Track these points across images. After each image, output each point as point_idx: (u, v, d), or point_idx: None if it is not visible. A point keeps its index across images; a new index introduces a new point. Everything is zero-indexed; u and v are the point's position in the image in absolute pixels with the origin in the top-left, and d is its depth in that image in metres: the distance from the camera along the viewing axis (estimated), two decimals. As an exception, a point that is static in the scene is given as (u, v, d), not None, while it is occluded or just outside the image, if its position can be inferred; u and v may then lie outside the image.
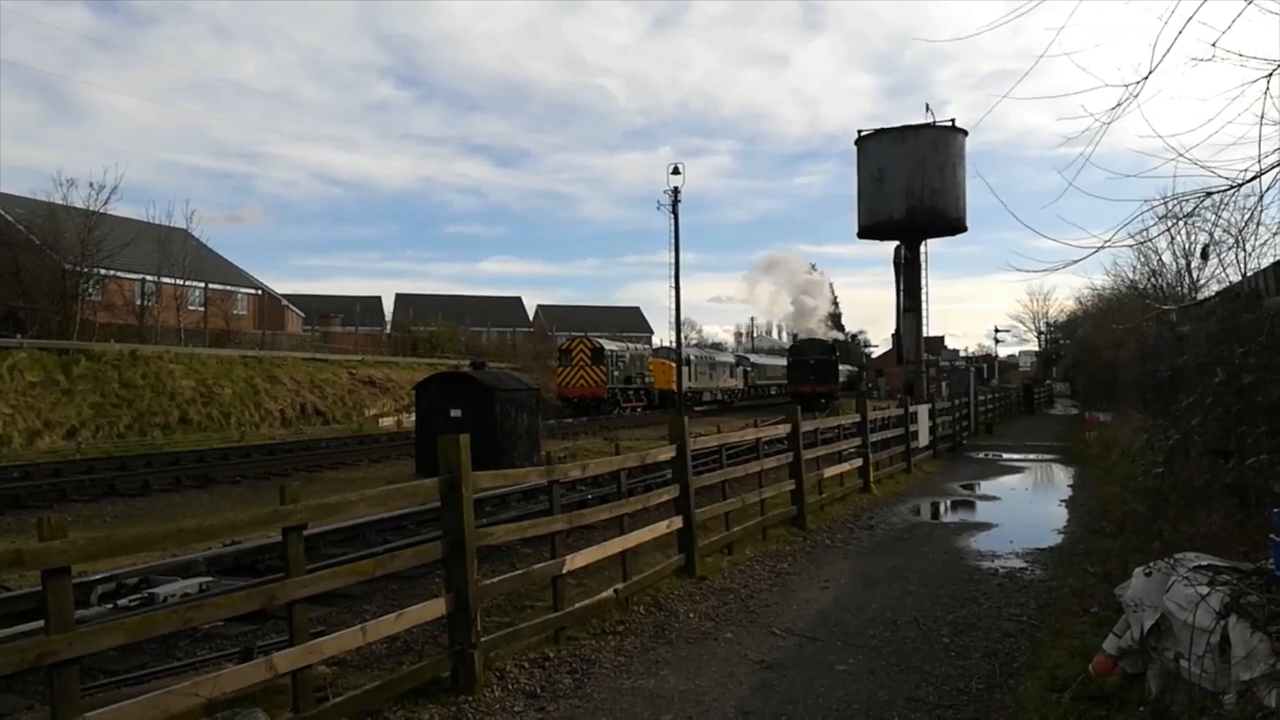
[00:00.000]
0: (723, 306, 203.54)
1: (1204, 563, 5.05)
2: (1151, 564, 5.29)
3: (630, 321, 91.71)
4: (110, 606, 7.33)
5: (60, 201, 34.60)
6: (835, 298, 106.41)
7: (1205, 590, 4.58)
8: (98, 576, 7.82)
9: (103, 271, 34.52)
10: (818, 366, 50.55)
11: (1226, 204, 6.04)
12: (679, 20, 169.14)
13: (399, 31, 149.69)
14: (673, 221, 40.15)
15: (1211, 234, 11.30)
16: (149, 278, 38.87)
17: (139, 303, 38.27)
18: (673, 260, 40.57)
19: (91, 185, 34.81)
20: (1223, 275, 12.41)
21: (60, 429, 24.50)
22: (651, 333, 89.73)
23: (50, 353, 26.87)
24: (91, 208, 34.10)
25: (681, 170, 40.05)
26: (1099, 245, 5.65)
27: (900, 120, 37.66)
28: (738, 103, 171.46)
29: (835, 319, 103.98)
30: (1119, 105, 4.94)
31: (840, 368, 57.71)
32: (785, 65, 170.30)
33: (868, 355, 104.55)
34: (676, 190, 39.93)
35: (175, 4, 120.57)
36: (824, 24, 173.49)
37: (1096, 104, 5.04)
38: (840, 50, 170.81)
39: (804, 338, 59.63)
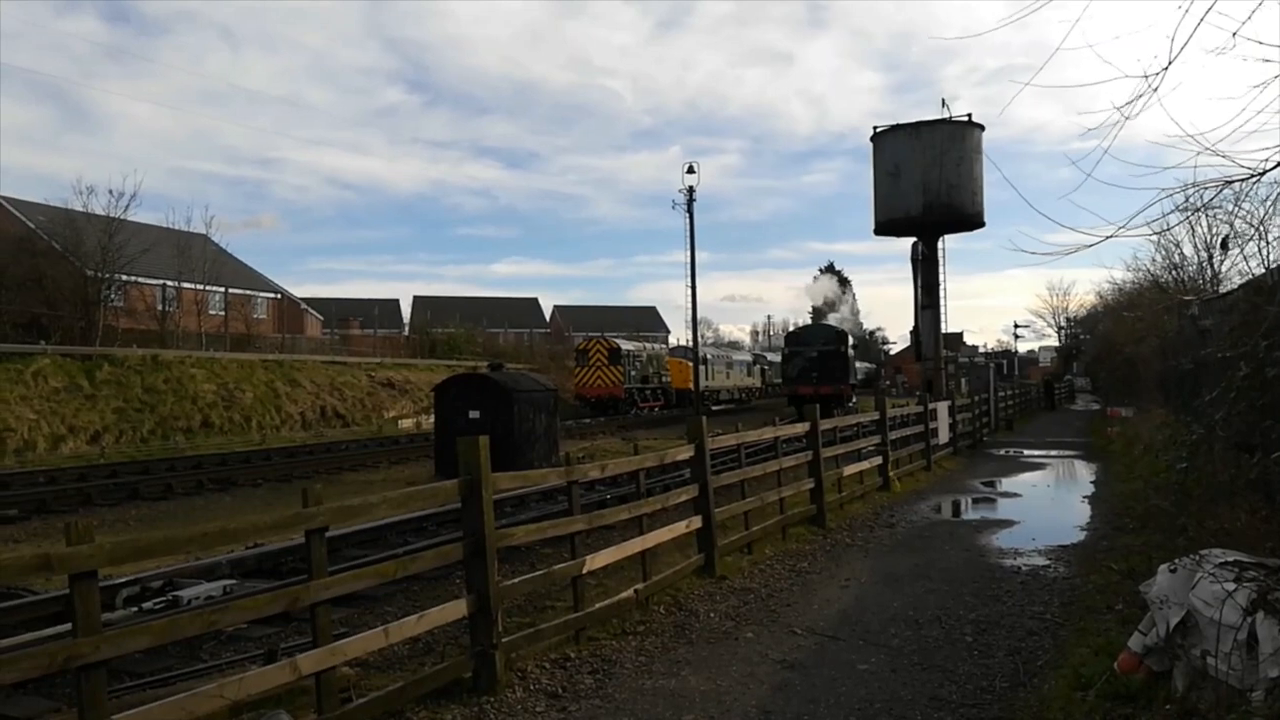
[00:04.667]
0: (738, 305, 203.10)
1: (1230, 559, 4.99)
2: (1176, 560, 5.24)
3: (646, 321, 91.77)
4: (135, 609, 7.41)
5: (80, 209, 34.99)
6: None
7: (1232, 586, 4.53)
8: (123, 580, 7.90)
9: (124, 278, 34.86)
10: (822, 361, 38.69)
11: (1247, 195, 5.98)
12: (682, 21, 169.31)
13: (405, 36, 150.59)
14: (688, 221, 40.11)
15: (1232, 225, 11.16)
16: (170, 283, 39.24)
17: (160, 308, 38.64)
18: (688, 259, 40.53)
19: (111, 192, 35.22)
20: (1245, 268, 12.27)
21: (84, 434, 24.76)
22: (668, 332, 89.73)
23: (73, 358, 27.17)
24: (111, 214, 34.47)
25: (696, 170, 39.97)
26: (1111, 233, 5.61)
27: (907, 117, 37.52)
28: (744, 102, 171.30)
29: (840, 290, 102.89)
30: (1138, 98, 4.90)
31: (858, 365, 55.94)
32: (791, 64, 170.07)
33: (885, 352, 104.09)
34: (691, 190, 39.87)
35: (185, 12, 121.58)
36: (828, 22, 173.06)
37: (1113, 98, 5.01)
38: (845, 48, 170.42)
39: (805, 324, 49.05)
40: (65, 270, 33.32)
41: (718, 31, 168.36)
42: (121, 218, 34.77)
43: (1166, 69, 4.70)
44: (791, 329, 46.21)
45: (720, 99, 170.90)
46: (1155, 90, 4.86)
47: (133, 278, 35.77)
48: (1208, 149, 5.01)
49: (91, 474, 18.39)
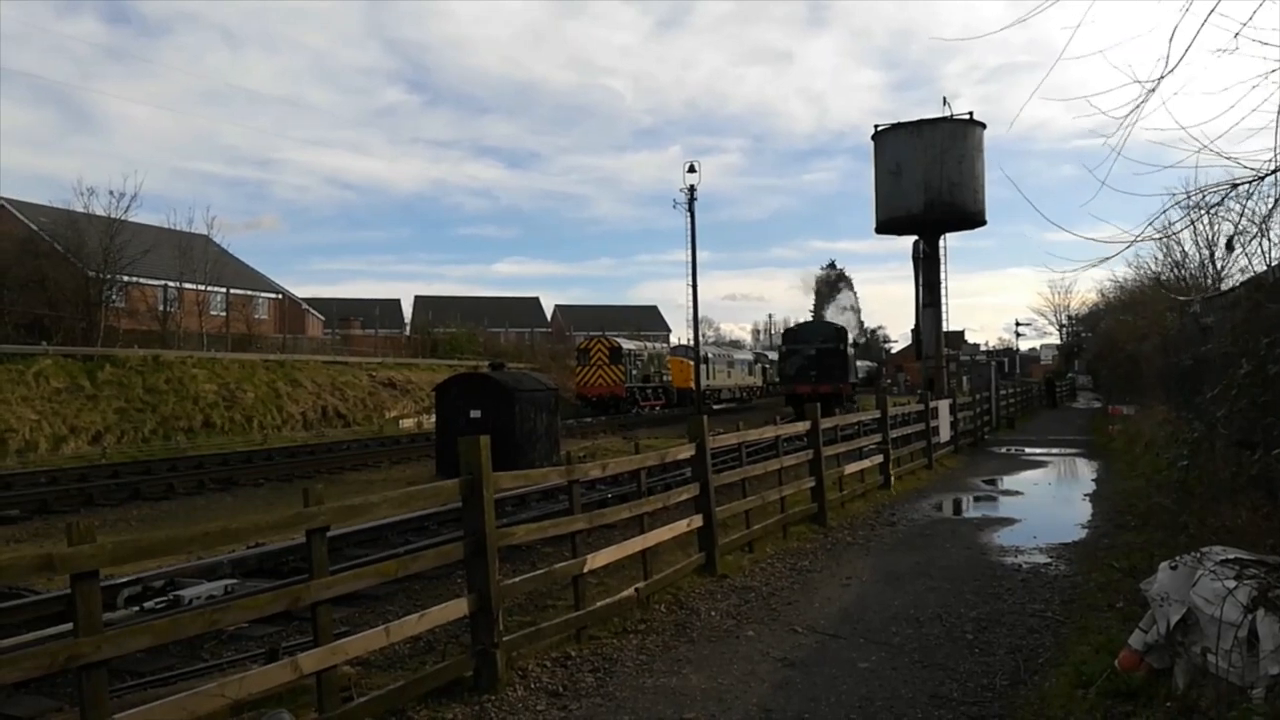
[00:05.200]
0: (739, 304, 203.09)
1: (1231, 556, 5.00)
2: (1177, 558, 5.24)
3: (647, 320, 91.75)
4: (137, 609, 7.42)
5: (82, 210, 34.99)
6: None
7: (1232, 584, 4.53)
8: (124, 579, 7.91)
9: (125, 278, 34.86)
10: (820, 359, 37.65)
11: (1252, 193, 5.97)
12: (683, 21, 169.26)
13: (405, 36, 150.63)
14: (689, 220, 40.10)
15: (1236, 224, 11.15)
16: (171, 284, 39.25)
17: (162, 309, 38.64)
18: (689, 258, 40.51)
19: (112, 193, 35.18)
20: (1247, 266, 12.27)
21: (86, 434, 24.78)
22: (669, 331, 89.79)
23: (75, 359, 27.19)
24: (113, 215, 34.48)
25: (697, 169, 39.96)
26: (1128, 242, 5.59)
27: (908, 115, 37.51)
28: (745, 101, 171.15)
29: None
30: (1140, 102, 4.89)
31: (859, 363, 55.56)
32: (791, 62, 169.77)
33: (887, 350, 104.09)
34: (692, 189, 39.85)
35: (185, 13, 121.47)
36: (828, 21, 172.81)
37: (1116, 99, 5.00)
38: (845, 47, 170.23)
39: (802, 321, 46.03)
40: (67, 271, 33.32)
41: (718, 31, 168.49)
42: (123, 219, 34.77)
43: (1170, 72, 4.69)
44: (788, 326, 43.23)
45: (721, 98, 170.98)
46: (1154, 92, 4.85)
47: (134, 278, 35.78)
48: (1210, 149, 4.99)
49: (93, 474, 18.40)
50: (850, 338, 42.18)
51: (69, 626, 4.59)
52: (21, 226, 38.31)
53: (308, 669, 4.74)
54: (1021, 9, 5.50)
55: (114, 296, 34.62)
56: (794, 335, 40.72)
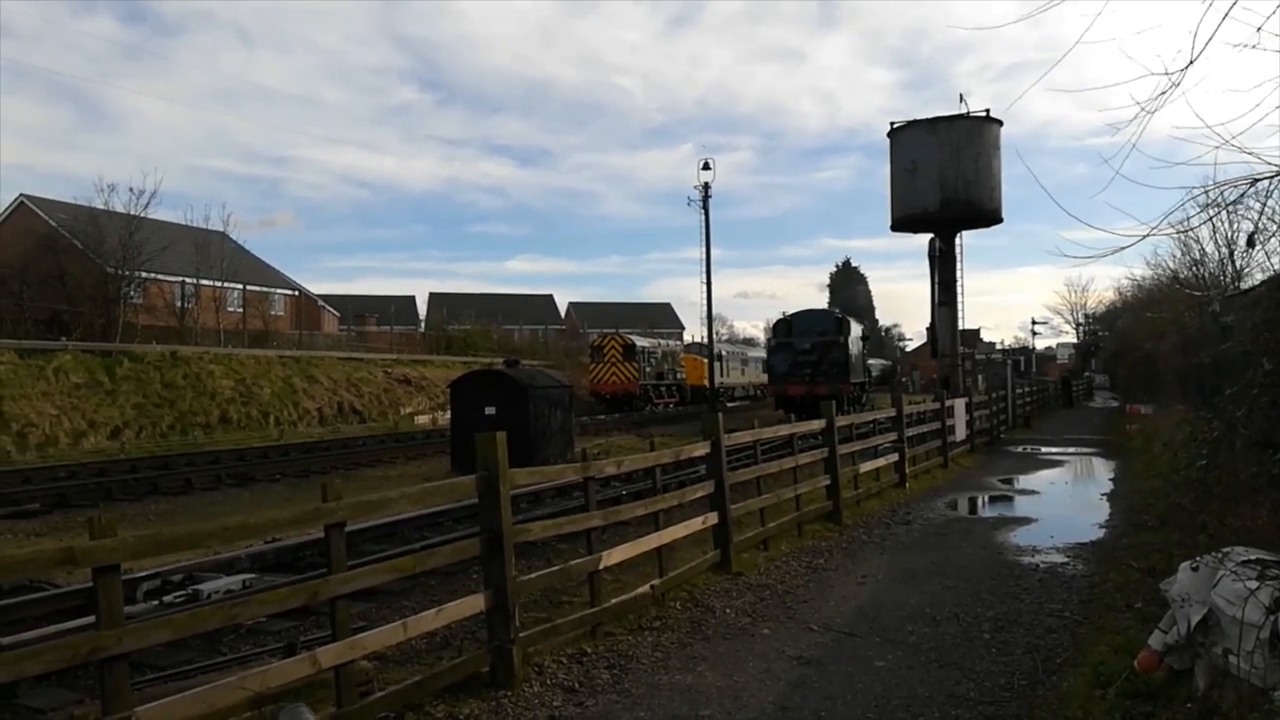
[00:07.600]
0: (751, 302, 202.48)
1: (1252, 557, 4.95)
2: (1198, 558, 5.20)
3: (661, 317, 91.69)
4: (156, 603, 7.47)
5: (101, 207, 35.29)
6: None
7: (1254, 585, 4.49)
8: (143, 574, 7.97)
9: (143, 275, 35.12)
10: (816, 354, 31.24)
11: (1273, 191, 5.90)
12: (693, 19, 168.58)
13: (417, 35, 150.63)
14: (704, 217, 40.04)
15: (1257, 222, 11.04)
16: (188, 280, 39.51)
17: (179, 305, 38.91)
18: (704, 256, 40.47)
19: (131, 190, 35.51)
20: (1268, 263, 12.15)
21: (104, 429, 24.98)
22: (682, 328, 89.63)
23: (94, 354, 27.41)
24: (132, 212, 34.76)
25: (712, 166, 39.92)
26: (1144, 234, 5.54)
27: (920, 113, 37.20)
28: (756, 99, 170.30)
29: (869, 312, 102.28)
30: (1161, 95, 4.85)
31: (873, 361, 54.99)
32: (802, 61, 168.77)
33: (902, 349, 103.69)
34: (707, 186, 39.81)
35: (200, 12, 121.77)
36: (839, 20, 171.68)
37: (1131, 94, 4.96)
38: (857, 45, 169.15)
39: (797, 310, 35.06)
40: (86, 267, 33.61)
41: (728, 29, 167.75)
42: (141, 215, 35.07)
43: (1190, 65, 4.64)
44: (779, 316, 34.99)
45: (732, 96, 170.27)
46: (1177, 86, 4.80)
47: (152, 275, 36.04)
48: (1230, 145, 4.94)
49: (112, 469, 18.55)
50: (857, 330, 35.22)
51: (90, 620, 4.63)
52: (41, 223, 38.66)
53: (326, 664, 4.77)
54: (1034, 5, 5.46)
55: (132, 293, 34.89)
56: (786, 327, 33.45)
